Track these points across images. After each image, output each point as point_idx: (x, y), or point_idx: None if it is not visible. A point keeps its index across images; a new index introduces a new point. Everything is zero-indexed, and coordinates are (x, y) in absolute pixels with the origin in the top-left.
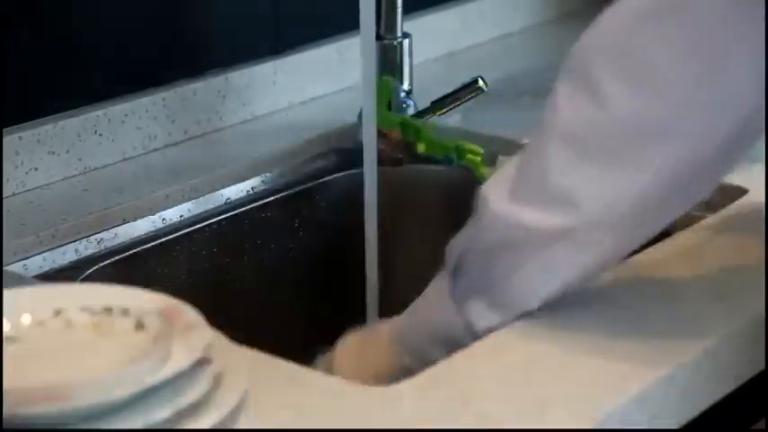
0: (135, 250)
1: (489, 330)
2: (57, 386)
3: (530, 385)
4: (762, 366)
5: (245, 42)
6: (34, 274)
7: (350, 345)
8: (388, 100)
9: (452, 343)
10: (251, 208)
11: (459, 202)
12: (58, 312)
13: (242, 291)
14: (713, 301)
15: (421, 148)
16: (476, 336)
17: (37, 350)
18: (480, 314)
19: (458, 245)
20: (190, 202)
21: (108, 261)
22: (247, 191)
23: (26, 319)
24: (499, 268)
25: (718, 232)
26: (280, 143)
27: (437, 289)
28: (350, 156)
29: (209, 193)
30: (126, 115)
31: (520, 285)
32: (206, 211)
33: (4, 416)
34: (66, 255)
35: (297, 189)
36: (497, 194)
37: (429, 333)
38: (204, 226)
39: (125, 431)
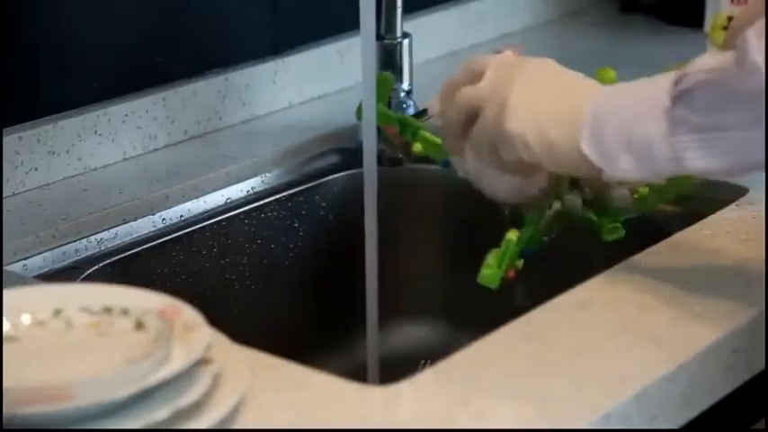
0: (135, 250)
1: (699, 169)
2: (57, 386)
3: (530, 385)
4: (762, 366)
5: (245, 42)
6: (34, 274)
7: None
8: (387, 96)
9: (644, 160)
10: (251, 208)
11: (458, 201)
12: (57, 312)
13: (242, 291)
14: (713, 301)
15: (417, 147)
16: (680, 168)
17: (37, 350)
18: (696, 153)
19: (693, 73)
20: (190, 202)
21: (108, 261)
22: (247, 191)
23: (26, 319)
24: (739, 117)
25: (718, 232)
26: (280, 143)
27: (652, 98)
28: (350, 156)
29: (209, 193)
30: (126, 115)
31: (756, 140)
32: (206, 211)
33: (4, 416)
34: (66, 255)
35: (297, 189)
36: (762, 48)
37: (624, 130)
38: (204, 226)
39: (125, 431)
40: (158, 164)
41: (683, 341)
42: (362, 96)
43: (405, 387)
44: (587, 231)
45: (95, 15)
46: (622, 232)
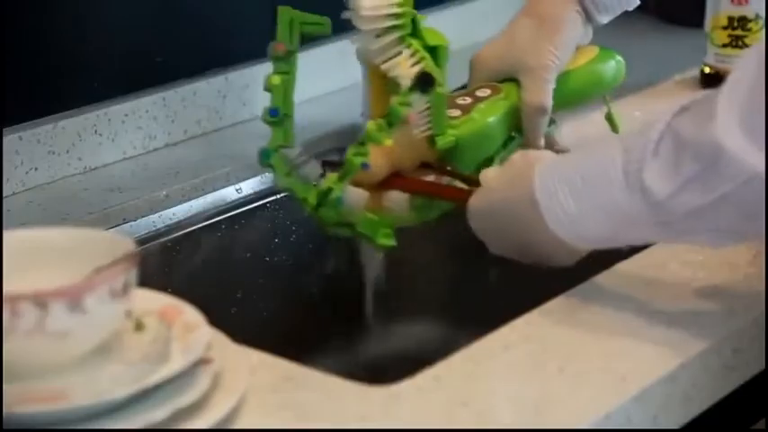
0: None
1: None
2: (56, 386)
3: (530, 385)
4: (762, 366)
5: (245, 42)
6: None
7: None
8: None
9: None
10: (251, 208)
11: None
12: None
13: (242, 290)
14: (713, 301)
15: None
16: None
17: None
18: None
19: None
20: (190, 202)
21: None
22: (247, 191)
23: None
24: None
25: None
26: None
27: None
28: None
29: (209, 193)
30: (126, 115)
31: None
32: (206, 211)
33: (4, 415)
34: None
35: None
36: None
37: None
38: (204, 226)
39: (125, 431)
40: (158, 164)
41: (683, 341)
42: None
43: (405, 387)
44: None
45: (95, 15)
46: (393, 242)
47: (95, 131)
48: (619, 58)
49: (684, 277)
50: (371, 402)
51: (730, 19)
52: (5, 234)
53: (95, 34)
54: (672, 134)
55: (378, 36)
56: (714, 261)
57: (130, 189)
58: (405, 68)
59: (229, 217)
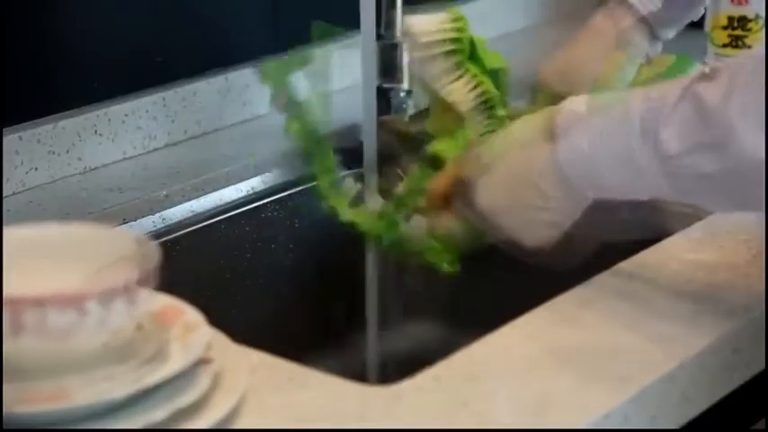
0: None
1: None
2: (57, 386)
3: (530, 385)
4: (762, 366)
5: (245, 42)
6: None
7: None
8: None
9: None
10: (251, 208)
11: None
12: None
13: (242, 291)
14: (713, 300)
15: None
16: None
17: None
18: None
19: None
20: (190, 202)
21: None
22: (247, 191)
23: None
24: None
25: (719, 231)
26: (280, 143)
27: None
28: (350, 156)
29: (209, 193)
30: (126, 115)
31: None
32: (206, 211)
33: (4, 415)
34: None
35: (297, 189)
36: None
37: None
38: (204, 226)
39: (124, 431)
40: (158, 164)
41: (683, 341)
42: (362, 96)
43: (405, 387)
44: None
45: (95, 15)
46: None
47: (95, 131)
48: (697, 64)
49: (684, 277)
50: (371, 402)
51: (730, 19)
52: (6, 231)
53: (95, 34)
54: (693, 97)
55: (435, 61)
56: (714, 261)
57: (130, 189)
58: (463, 94)
59: (229, 217)
